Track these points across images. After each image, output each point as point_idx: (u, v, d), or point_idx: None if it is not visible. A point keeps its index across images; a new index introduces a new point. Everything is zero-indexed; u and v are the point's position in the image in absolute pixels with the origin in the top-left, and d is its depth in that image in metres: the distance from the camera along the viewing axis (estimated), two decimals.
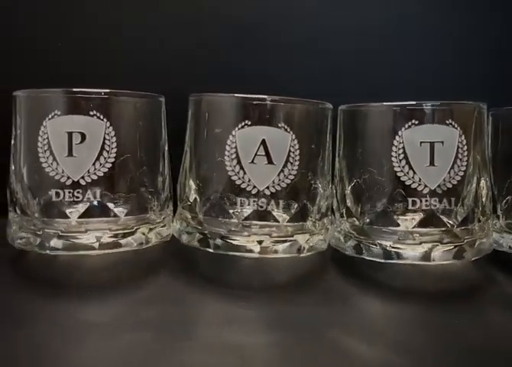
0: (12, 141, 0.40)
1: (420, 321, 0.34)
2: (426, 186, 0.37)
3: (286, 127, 0.37)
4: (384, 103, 0.38)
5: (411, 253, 0.38)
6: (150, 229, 0.40)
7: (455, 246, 0.38)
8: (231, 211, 0.38)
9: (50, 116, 0.36)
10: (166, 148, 0.42)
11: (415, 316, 0.35)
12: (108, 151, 0.37)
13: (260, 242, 0.38)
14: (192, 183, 0.40)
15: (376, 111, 0.39)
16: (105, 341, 0.31)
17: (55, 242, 0.37)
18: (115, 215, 0.38)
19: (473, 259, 0.39)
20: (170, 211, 0.43)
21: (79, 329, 0.32)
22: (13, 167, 0.39)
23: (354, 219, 0.40)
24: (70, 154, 0.36)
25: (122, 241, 0.38)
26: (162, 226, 0.41)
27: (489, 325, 0.34)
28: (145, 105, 0.40)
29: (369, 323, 0.35)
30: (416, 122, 0.37)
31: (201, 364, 0.30)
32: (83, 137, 0.36)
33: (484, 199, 0.39)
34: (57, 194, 0.37)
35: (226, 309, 0.36)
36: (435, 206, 0.37)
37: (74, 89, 0.37)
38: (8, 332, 0.31)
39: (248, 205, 0.37)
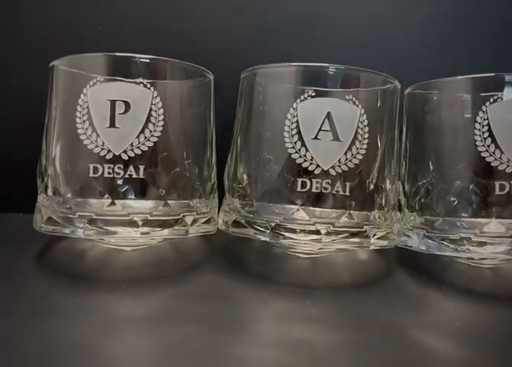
0: (46, 120, 0.36)
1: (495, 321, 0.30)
2: None
3: (354, 100, 0.33)
4: (460, 77, 0.34)
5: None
6: (196, 218, 0.35)
7: None
8: (289, 194, 0.33)
9: (91, 83, 0.33)
10: (214, 130, 0.38)
11: (488, 316, 0.31)
12: (154, 124, 0.33)
13: (319, 232, 0.33)
14: (244, 167, 0.35)
15: (452, 84, 0.35)
16: (149, 334, 0.27)
17: (89, 226, 0.32)
18: (159, 198, 0.33)
19: None
20: (215, 203, 0.38)
21: (123, 323, 0.28)
22: (44, 146, 0.35)
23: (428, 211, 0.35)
24: (113, 124, 0.32)
25: (165, 229, 0.34)
26: (207, 217, 0.37)
27: None
28: (194, 78, 0.36)
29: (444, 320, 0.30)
30: (502, 96, 0.32)
31: (261, 359, 0.25)
32: (127, 106, 0.32)
33: None
34: (95, 169, 0.32)
35: (286, 306, 0.31)
36: None
37: (119, 54, 0.33)
38: (42, 326, 0.27)
39: (310, 187, 0.33)
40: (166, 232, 0.34)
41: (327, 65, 0.33)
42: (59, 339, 0.26)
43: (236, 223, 0.35)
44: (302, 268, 0.36)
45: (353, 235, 0.34)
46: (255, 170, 0.35)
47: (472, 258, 0.36)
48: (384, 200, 0.35)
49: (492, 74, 0.33)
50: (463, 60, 0.48)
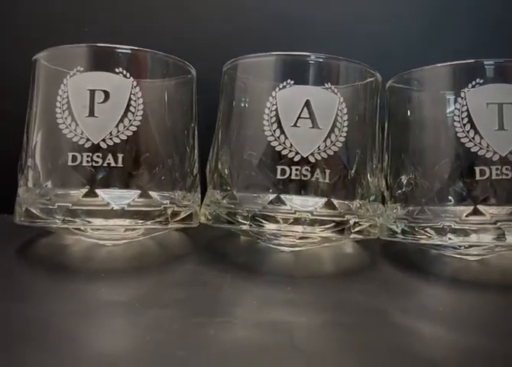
0: (27, 115, 0.36)
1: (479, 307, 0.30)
2: (495, 152, 0.32)
3: (333, 88, 0.33)
4: (440, 64, 0.34)
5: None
6: (177, 210, 0.35)
7: None
8: (269, 182, 0.33)
9: (71, 73, 0.33)
10: (196, 122, 0.38)
11: (472, 302, 0.30)
12: (133, 113, 0.33)
13: (298, 221, 0.33)
14: (225, 158, 0.35)
15: (429, 73, 0.35)
16: (128, 317, 0.26)
17: (68, 215, 0.32)
18: (139, 188, 0.33)
19: None
20: (198, 197, 0.38)
21: (101, 307, 0.28)
22: (25, 140, 0.35)
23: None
24: (92, 114, 0.32)
25: (145, 220, 0.33)
26: (190, 211, 0.36)
27: None
28: (176, 71, 0.36)
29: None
30: (481, 81, 0.33)
31: (233, 338, 0.24)
32: (107, 95, 0.33)
33: None
34: (74, 158, 0.32)
35: (266, 292, 0.30)
36: (507, 175, 0.32)
37: (99, 45, 0.33)
38: (24, 310, 0.27)
39: (290, 174, 0.32)
40: (146, 222, 0.34)
41: (307, 54, 0.34)
42: (38, 321, 0.25)
43: (217, 215, 0.35)
44: (285, 260, 0.36)
45: (334, 223, 0.33)
46: (236, 161, 0.34)
47: (457, 248, 0.36)
48: (365, 191, 0.35)
49: (472, 60, 0.33)
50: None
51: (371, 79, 0.36)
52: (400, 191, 0.36)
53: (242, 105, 0.35)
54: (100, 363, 0.22)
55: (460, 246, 0.35)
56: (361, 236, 0.34)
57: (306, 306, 0.29)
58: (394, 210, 0.36)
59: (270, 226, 0.33)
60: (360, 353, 0.24)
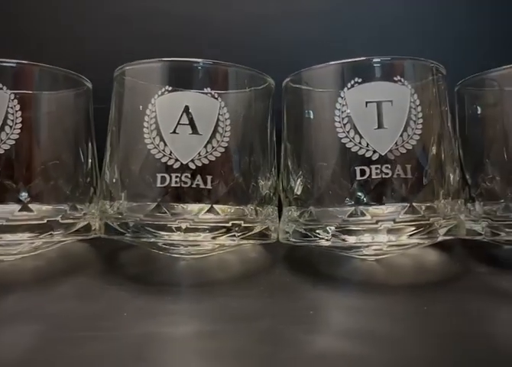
0: None
1: (366, 308, 0.29)
2: (375, 151, 0.32)
3: (213, 93, 0.33)
4: (327, 63, 0.34)
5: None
6: (67, 222, 0.35)
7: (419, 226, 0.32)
8: (149, 191, 0.32)
9: None
10: (92, 134, 0.38)
11: (348, 304, 0.30)
12: (11, 127, 0.32)
13: (180, 229, 0.32)
14: (111, 168, 0.35)
15: (317, 72, 0.34)
16: None
17: None
18: (19, 201, 0.33)
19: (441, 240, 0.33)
20: (95, 210, 0.37)
21: None
22: None
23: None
24: None
25: (33, 232, 0.33)
26: (83, 222, 0.36)
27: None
28: (68, 83, 0.36)
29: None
30: (360, 80, 0.32)
31: (81, 353, 0.24)
32: None
33: (450, 174, 0.34)
34: None
35: (147, 303, 0.30)
36: (387, 174, 0.31)
37: None
38: None
39: (170, 182, 0.32)
40: (36, 236, 0.33)
41: (192, 60, 0.33)
42: None
43: (107, 226, 0.34)
44: (180, 269, 0.36)
45: (225, 229, 0.33)
46: (122, 170, 0.34)
47: (356, 249, 0.35)
48: (256, 195, 0.34)
49: (359, 59, 0.33)
50: None
51: (263, 84, 0.36)
52: (294, 194, 0.35)
53: (128, 112, 0.35)
54: None
55: (359, 247, 0.35)
56: (252, 241, 0.34)
57: (178, 316, 0.28)
58: (289, 213, 0.35)
59: (149, 236, 0.32)
60: (219, 362, 0.24)
